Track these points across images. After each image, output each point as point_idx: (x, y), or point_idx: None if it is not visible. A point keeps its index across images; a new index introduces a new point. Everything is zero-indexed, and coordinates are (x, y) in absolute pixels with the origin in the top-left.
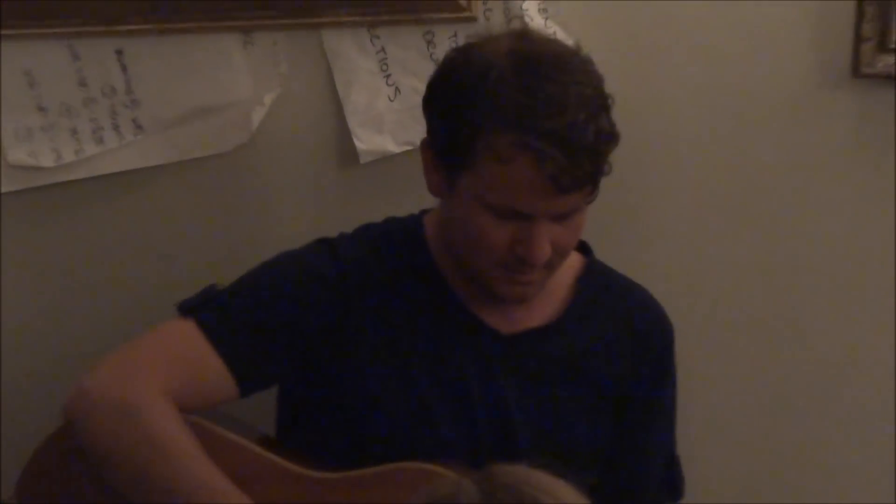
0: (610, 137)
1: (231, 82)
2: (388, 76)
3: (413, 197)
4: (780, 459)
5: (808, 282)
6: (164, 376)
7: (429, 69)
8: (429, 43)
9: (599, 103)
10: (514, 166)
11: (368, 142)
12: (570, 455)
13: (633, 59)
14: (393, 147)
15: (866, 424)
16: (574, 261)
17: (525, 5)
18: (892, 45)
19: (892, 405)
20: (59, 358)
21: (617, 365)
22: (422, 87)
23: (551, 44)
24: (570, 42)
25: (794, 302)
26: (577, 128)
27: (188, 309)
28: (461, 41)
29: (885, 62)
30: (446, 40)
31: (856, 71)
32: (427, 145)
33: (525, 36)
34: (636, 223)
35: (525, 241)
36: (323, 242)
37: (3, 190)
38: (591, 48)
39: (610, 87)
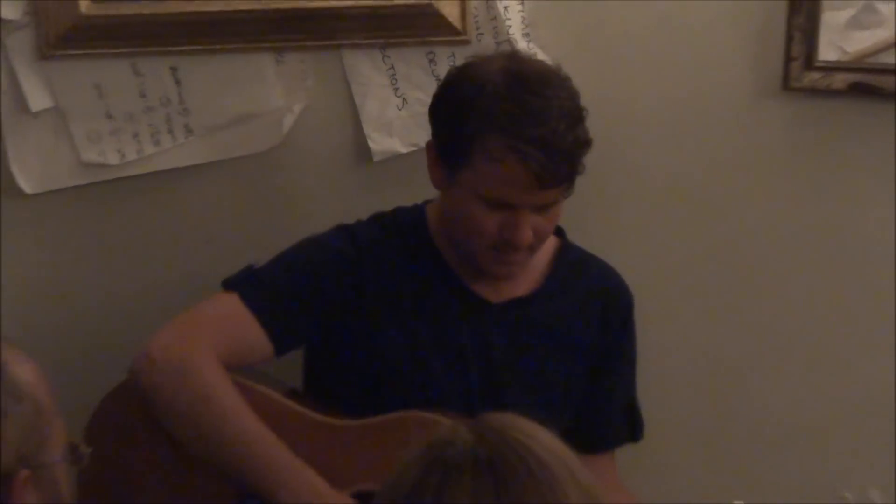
0: (584, 143)
1: (265, 94)
2: (396, 89)
3: (417, 190)
4: (726, 411)
5: (745, 261)
6: (213, 341)
7: (431, 83)
8: (430, 61)
9: (576, 115)
10: (504, 165)
11: (380, 143)
12: (547, 404)
13: (602, 75)
14: (401, 148)
15: (801, 385)
16: (551, 242)
17: (511, 30)
18: (816, 64)
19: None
20: (123, 326)
21: (587, 326)
22: (425, 99)
23: (537, 63)
24: (551, 62)
25: (733, 279)
26: (557, 135)
27: (232, 284)
28: (458, 60)
29: (810, 78)
30: (445, 59)
31: (786, 85)
32: (431, 146)
33: (515, 56)
34: (603, 212)
35: (511, 228)
36: (342, 228)
37: (78, 183)
38: (566, 65)
39: (583, 98)
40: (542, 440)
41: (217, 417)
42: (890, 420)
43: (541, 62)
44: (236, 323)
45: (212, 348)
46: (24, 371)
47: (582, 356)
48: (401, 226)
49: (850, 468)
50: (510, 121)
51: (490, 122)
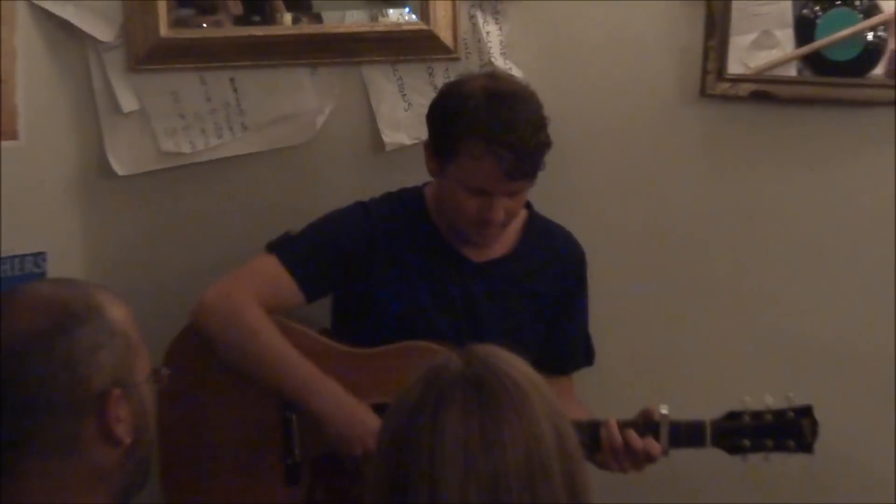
0: (546, 145)
1: (302, 99)
2: (404, 95)
3: (419, 174)
4: (652, 342)
5: (670, 227)
6: (255, 291)
7: (430, 91)
8: (430, 74)
9: (540, 123)
10: (482, 163)
11: (391, 137)
12: (518, 339)
13: (561, 85)
14: (407, 140)
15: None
16: (522, 213)
17: (492, 51)
18: (726, 76)
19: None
20: (189, 281)
21: (550, 279)
22: (425, 103)
23: (510, 82)
24: (521, 80)
25: (659, 240)
26: (523, 140)
27: (272, 247)
28: (451, 74)
29: (721, 87)
30: (441, 73)
31: (703, 92)
32: (427, 144)
33: (493, 76)
34: (563, 192)
35: (487, 209)
36: (359, 203)
37: (158, 167)
38: (533, 77)
39: (545, 103)
40: (517, 366)
41: (260, 346)
42: (777, 343)
43: (514, 81)
44: (274, 277)
45: (254, 296)
46: (116, 311)
47: (546, 303)
48: (405, 202)
49: (749, 378)
50: (487, 129)
51: (471, 130)
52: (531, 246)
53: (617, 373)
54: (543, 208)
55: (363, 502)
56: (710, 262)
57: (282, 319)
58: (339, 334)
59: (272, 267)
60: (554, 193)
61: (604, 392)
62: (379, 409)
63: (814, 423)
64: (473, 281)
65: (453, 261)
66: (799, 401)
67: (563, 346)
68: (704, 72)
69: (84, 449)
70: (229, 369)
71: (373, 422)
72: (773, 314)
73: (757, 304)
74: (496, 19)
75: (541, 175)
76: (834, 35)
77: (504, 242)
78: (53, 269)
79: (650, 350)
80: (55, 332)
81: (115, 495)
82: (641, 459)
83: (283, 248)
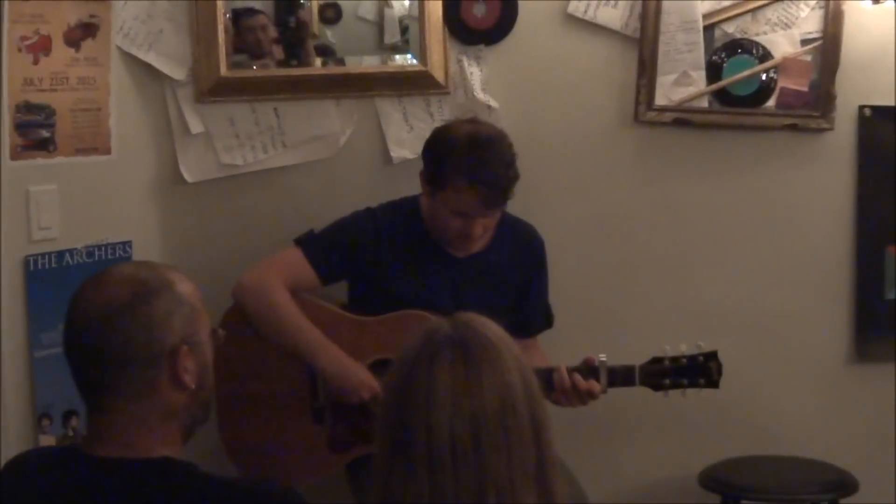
0: (515, 178)
1: (329, 123)
2: (407, 121)
3: (418, 182)
4: (599, 301)
5: (611, 225)
6: (281, 276)
7: (427, 117)
8: (427, 104)
9: (511, 161)
10: (465, 195)
11: (397, 153)
12: (493, 312)
13: (525, 112)
14: (410, 155)
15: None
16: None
17: (475, 86)
18: (654, 107)
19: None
20: (240, 266)
21: (517, 266)
22: (424, 126)
23: (488, 127)
24: (497, 124)
25: (603, 233)
26: (498, 177)
27: (297, 241)
28: (443, 104)
29: (650, 115)
30: (436, 103)
31: (636, 119)
32: (421, 174)
33: (474, 121)
34: (528, 194)
35: (469, 228)
36: (369, 209)
37: (218, 176)
38: (504, 106)
39: (513, 126)
40: (492, 328)
41: (280, 318)
42: (690, 307)
43: (490, 126)
44: (298, 266)
45: (280, 280)
46: (185, 286)
47: (515, 284)
48: (403, 209)
49: (669, 334)
50: (469, 170)
51: (457, 170)
52: (502, 241)
53: (569, 331)
54: (513, 207)
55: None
56: (641, 247)
57: (306, 296)
58: (352, 309)
59: (297, 257)
60: (522, 195)
61: (558, 346)
62: (382, 363)
63: (719, 365)
64: (457, 272)
65: (441, 256)
66: (707, 348)
67: (529, 314)
68: (637, 103)
69: (159, 392)
70: (262, 336)
71: (366, 377)
72: (688, 285)
73: (676, 278)
74: (478, 62)
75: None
76: (736, 76)
77: (481, 240)
78: (137, 254)
79: (594, 313)
80: (136, 302)
81: (183, 428)
82: (585, 397)
83: (307, 242)
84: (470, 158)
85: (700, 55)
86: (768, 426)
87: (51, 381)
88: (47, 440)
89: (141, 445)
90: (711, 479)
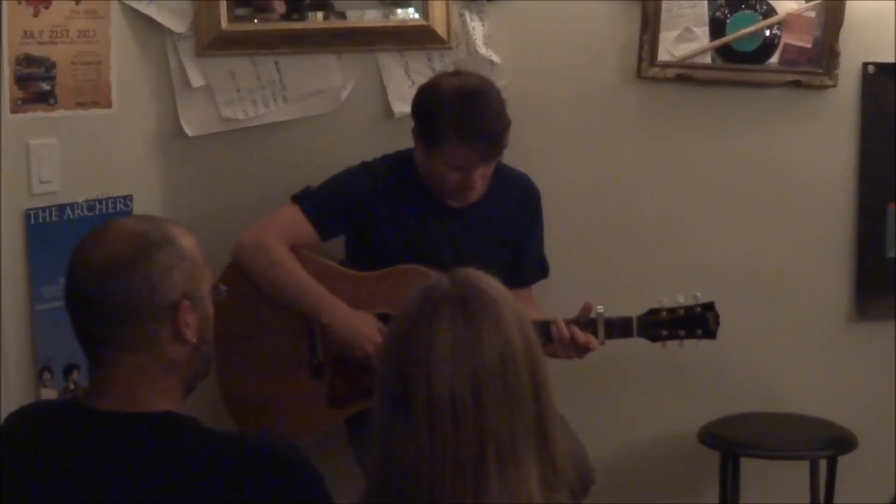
0: (507, 126)
1: (331, 78)
2: (408, 76)
3: None
4: (595, 256)
5: (612, 181)
6: (280, 233)
7: (429, 72)
8: (429, 59)
9: (501, 109)
10: (460, 150)
11: (399, 107)
12: (491, 263)
13: (527, 66)
14: (409, 110)
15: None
16: None
17: (477, 41)
18: (656, 63)
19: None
20: (241, 223)
21: (512, 216)
22: (424, 81)
23: (474, 78)
24: (500, 80)
25: (601, 191)
26: (491, 129)
27: (295, 198)
28: (445, 59)
29: (653, 71)
30: (437, 58)
31: (639, 75)
32: (413, 131)
33: (459, 73)
34: (529, 149)
35: (468, 180)
36: (364, 164)
37: (219, 130)
38: (507, 61)
39: (513, 81)
40: (492, 284)
41: (281, 274)
42: (689, 261)
43: (476, 76)
44: (296, 222)
45: (279, 237)
46: (186, 240)
47: (511, 234)
48: (400, 162)
49: (666, 287)
50: (461, 124)
51: (449, 126)
52: (498, 191)
53: (566, 282)
54: (515, 161)
55: (373, 391)
56: (642, 203)
57: (304, 252)
58: (350, 264)
59: (295, 214)
60: (524, 150)
61: (555, 297)
62: (382, 318)
63: (716, 316)
64: (455, 223)
65: (438, 207)
66: (704, 299)
67: (525, 264)
68: (640, 59)
69: (160, 346)
70: (261, 292)
71: (370, 330)
72: (688, 242)
73: (676, 235)
74: (480, 17)
75: (512, 136)
76: (740, 31)
77: (480, 189)
78: (138, 208)
79: (592, 265)
80: (138, 256)
81: (184, 383)
82: (583, 349)
83: (304, 199)
84: (461, 114)
85: (703, 11)
86: (768, 383)
87: (52, 334)
88: (48, 394)
89: (142, 399)
90: (711, 435)
